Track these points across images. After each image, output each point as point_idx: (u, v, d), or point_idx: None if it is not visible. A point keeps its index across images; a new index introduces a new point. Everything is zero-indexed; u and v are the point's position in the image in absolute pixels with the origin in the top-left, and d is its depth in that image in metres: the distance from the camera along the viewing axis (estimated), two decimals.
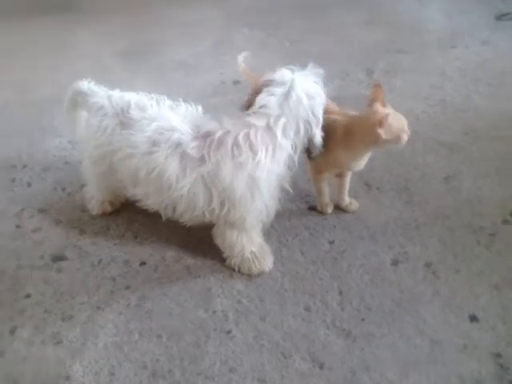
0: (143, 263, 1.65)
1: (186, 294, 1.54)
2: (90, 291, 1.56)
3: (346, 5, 3.74)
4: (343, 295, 1.52)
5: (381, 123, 1.46)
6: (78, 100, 1.69)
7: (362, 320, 1.45)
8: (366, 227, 1.75)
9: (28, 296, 1.56)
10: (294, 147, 1.46)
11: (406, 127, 1.50)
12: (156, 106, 1.58)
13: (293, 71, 1.47)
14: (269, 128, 1.42)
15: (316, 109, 1.46)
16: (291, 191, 1.55)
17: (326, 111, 1.55)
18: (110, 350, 1.40)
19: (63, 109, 1.78)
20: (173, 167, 1.45)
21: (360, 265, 1.62)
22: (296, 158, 1.48)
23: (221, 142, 1.43)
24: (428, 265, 1.61)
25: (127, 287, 1.57)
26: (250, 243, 1.57)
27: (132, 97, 1.62)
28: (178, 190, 1.46)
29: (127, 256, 1.68)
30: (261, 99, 1.43)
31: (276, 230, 1.74)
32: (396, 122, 1.49)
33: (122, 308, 1.51)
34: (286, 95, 1.42)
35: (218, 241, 1.60)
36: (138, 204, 1.64)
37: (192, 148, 1.45)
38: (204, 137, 1.46)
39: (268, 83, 1.46)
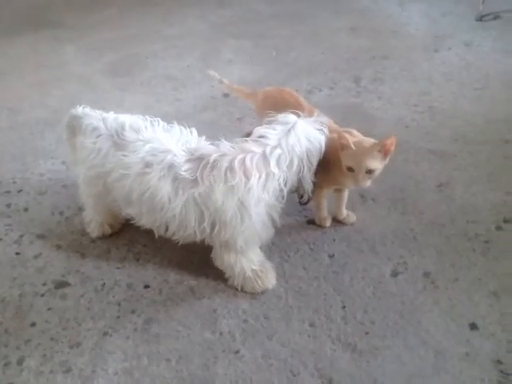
0: (147, 286, 1.66)
1: (192, 316, 1.56)
2: (95, 317, 1.57)
3: (330, 10, 3.79)
4: (347, 309, 1.55)
5: (342, 146, 1.53)
6: (74, 125, 1.70)
7: (367, 333, 1.48)
8: (365, 239, 1.79)
9: (33, 324, 1.56)
10: (285, 181, 1.48)
11: (371, 165, 1.51)
12: (150, 128, 1.60)
13: (298, 116, 1.52)
14: (264, 156, 1.45)
15: (312, 153, 1.50)
16: (278, 225, 1.57)
17: (328, 129, 1.58)
18: (120, 376, 1.41)
19: (55, 131, 1.80)
20: (165, 189, 1.47)
21: (361, 278, 1.65)
22: (285, 192, 1.50)
23: (215, 165, 1.45)
24: (427, 274, 1.65)
25: (133, 311, 1.58)
26: (249, 263, 1.59)
27: (126, 119, 1.64)
28: (171, 210, 1.48)
29: (130, 279, 1.69)
30: (261, 130, 1.48)
31: (277, 245, 1.77)
32: (362, 153, 1.51)
33: (129, 333, 1.52)
34: (286, 132, 1.47)
35: (218, 263, 1.63)
36: (132, 222, 1.66)
37: (185, 170, 1.47)
38: (198, 159, 1.48)
39: (271, 122, 1.51)
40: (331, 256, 1.73)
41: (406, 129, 2.38)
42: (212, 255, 1.62)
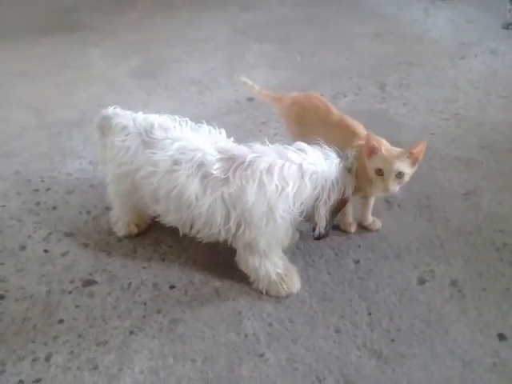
0: (173, 286, 1.67)
1: (217, 318, 1.56)
2: (122, 315, 1.59)
3: (354, 16, 3.79)
4: (372, 316, 1.54)
5: (371, 150, 1.53)
6: (104, 125, 1.73)
7: (392, 341, 1.47)
8: (390, 246, 1.78)
9: (61, 321, 1.58)
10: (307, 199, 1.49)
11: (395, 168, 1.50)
12: (179, 128, 1.63)
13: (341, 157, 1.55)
14: (301, 168, 1.46)
15: (335, 189, 1.51)
16: (297, 237, 1.60)
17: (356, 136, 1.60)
18: (146, 375, 1.42)
19: (82, 132, 1.84)
20: (193, 186, 1.49)
21: (387, 284, 1.64)
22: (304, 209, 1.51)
23: (251, 165, 1.47)
24: (454, 283, 1.64)
25: (159, 311, 1.59)
26: (273, 266, 1.60)
27: (155, 118, 1.67)
28: (197, 208, 1.50)
29: (156, 279, 1.70)
30: (302, 144, 1.51)
31: (301, 250, 1.77)
32: (392, 155, 1.52)
33: (155, 332, 1.53)
34: (325, 158, 1.51)
35: (242, 266, 1.64)
36: (158, 220, 1.68)
37: (216, 169, 1.48)
38: (231, 159, 1.50)
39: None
40: (356, 262, 1.72)
41: (431, 136, 2.36)
42: (236, 258, 1.63)
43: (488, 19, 3.61)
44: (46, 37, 3.69)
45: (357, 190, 1.66)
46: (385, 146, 1.56)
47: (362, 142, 1.57)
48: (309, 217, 1.54)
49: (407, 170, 1.51)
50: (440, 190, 2.03)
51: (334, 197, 1.51)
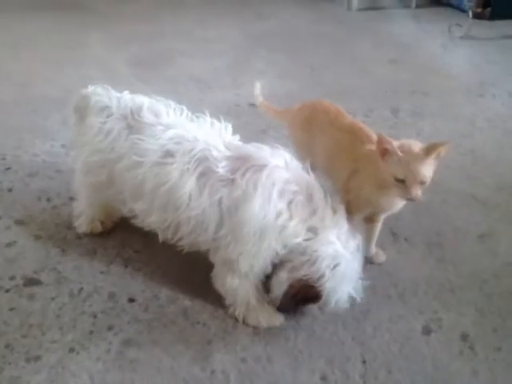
0: (132, 300, 1.40)
1: (181, 345, 1.28)
2: (64, 327, 1.30)
3: (370, 40, 3.64)
4: (367, 365, 1.28)
5: (384, 153, 1.31)
6: (82, 106, 1.48)
7: None
8: (394, 284, 1.52)
9: None
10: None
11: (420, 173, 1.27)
12: (173, 114, 1.37)
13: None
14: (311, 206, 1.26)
15: (312, 268, 1.24)
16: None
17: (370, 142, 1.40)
18: None
19: (61, 112, 1.58)
20: (188, 185, 1.24)
21: (386, 329, 1.38)
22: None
23: (269, 172, 1.23)
24: (464, 337, 1.38)
25: (110, 328, 1.31)
26: (255, 290, 1.34)
27: (145, 100, 1.42)
28: (188, 211, 1.25)
29: (114, 288, 1.43)
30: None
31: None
32: (414, 158, 1.28)
33: (101, 353, 1.25)
34: (338, 235, 1.27)
35: (218, 285, 1.37)
36: (133, 221, 1.42)
37: (222, 167, 1.23)
38: (242, 159, 1.26)
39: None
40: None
41: (446, 169, 2.13)
42: (212, 274, 1.37)
43: (508, 62, 3.48)
44: (44, 12, 3.49)
45: (364, 203, 1.44)
46: (401, 146, 1.33)
47: (373, 147, 1.35)
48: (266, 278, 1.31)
49: (431, 172, 1.30)
50: (452, 228, 1.79)
51: (304, 272, 1.24)
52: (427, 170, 1.28)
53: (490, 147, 2.37)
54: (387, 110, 2.62)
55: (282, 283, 1.25)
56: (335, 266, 1.23)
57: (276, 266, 1.28)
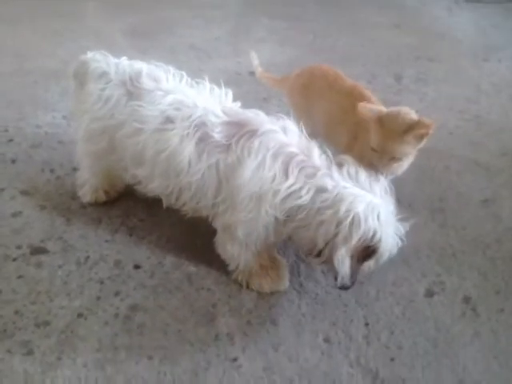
0: (137, 266, 1.41)
1: (186, 309, 1.31)
2: (71, 294, 1.32)
3: (373, 5, 3.55)
4: (370, 327, 1.30)
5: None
6: (81, 72, 1.45)
7: (392, 360, 1.22)
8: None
9: None
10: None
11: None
12: (172, 80, 1.35)
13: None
14: (314, 174, 1.19)
15: (359, 230, 1.14)
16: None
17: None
18: (89, 368, 1.16)
19: (61, 83, 1.56)
20: (187, 150, 1.23)
21: (390, 292, 1.39)
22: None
23: (261, 137, 1.21)
24: (466, 299, 1.40)
25: (116, 293, 1.33)
26: (256, 257, 1.35)
27: (144, 66, 1.40)
28: (189, 175, 1.25)
29: (119, 256, 1.44)
30: (347, 160, 1.23)
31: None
32: (390, 136, 1.31)
33: (109, 318, 1.27)
34: (362, 187, 1.19)
35: (220, 251, 1.38)
36: (136, 187, 1.42)
37: (218, 132, 1.22)
38: (238, 125, 1.24)
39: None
40: None
41: (449, 135, 2.12)
42: (215, 239, 1.38)
43: None
44: None
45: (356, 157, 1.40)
46: (387, 115, 1.32)
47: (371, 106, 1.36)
48: (326, 259, 1.20)
49: (407, 151, 1.32)
50: (455, 194, 1.79)
51: (358, 237, 1.15)
52: (401, 147, 1.28)
53: (495, 112, 2.33)
54: (390, 76, 2.57)
55: (343, 259, 1.16)
56: (378, 217, 1.16)
57: (327, 246, 1.18)
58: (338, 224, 1.14)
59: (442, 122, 2.22)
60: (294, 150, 1.21)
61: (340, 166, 1.23)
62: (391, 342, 1.27)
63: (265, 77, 1.88)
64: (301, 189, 1.17)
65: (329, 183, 1.17)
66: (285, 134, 1.24)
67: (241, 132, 1.22)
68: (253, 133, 1.21)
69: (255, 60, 1.87)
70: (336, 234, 1.15)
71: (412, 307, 1.36)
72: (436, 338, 1.28)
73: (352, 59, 2.73)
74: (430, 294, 1.40)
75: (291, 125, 1.27)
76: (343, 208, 1.14)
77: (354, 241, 1.14)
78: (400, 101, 2.36)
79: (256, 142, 1.19)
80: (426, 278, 1.45)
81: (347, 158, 1.25)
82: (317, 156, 1.22)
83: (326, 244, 1.17)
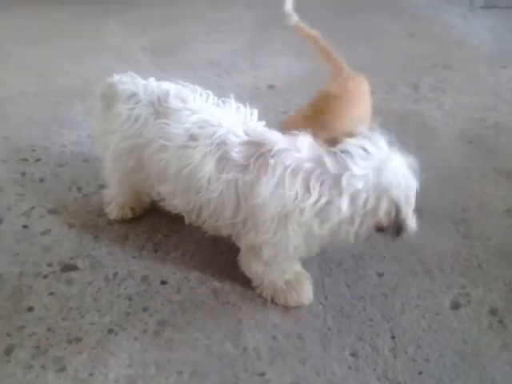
0: (164, 282, 1.44)
1: (213, 324, 1.33)
2: (101, 310, 1.35)
3: (386, 14, 3.56)
4: (396, 340, 1.30)
5: None
6: (109, 94, 1.49)
7: (420, 373, 1.22)
8: (420, 261, 1.53)
9: (30, 309, 1.35)
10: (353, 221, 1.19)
11: None
12: (199, 100, 1.39)
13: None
14: (337, 181, 1.17)
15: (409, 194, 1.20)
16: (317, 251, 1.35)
17: None
18: None
19: (84, 103, 1.61)
20: (208, 167, 1.25)
21: (415, 305, 1.39)
22: (353, 230, 1.20)
23: (276, 156, 1.22)
24: (493, 311, 1.39)
25: (145, 309, 1.36)
26: (281, 273, 1.36)
27: (171, 86, 1.43)
28: (208, 193, 1.27)
29: (146, 272, 1.47)
30: (350, 144, 1.21)
31: (317, 254, 1.52)
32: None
33: (138, 334, 1.30)
34: (380, 167, 1.17)
35: (244, 269, 1.40)
36: (161, 204, 1.45)
37: (237, 152, 1.24)
38: (257, 144, 1.25)
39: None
40: (380, 275, 1.48)
41: (469, 144, 2.12)
42: (238, 257, 1.40)
43: None
44: (62, 5, 3.49)
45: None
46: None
47: None
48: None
49: None
50: (478, 203, 1.78)
51: (412, 195, 1.20)
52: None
53: None
54: (407, 85, 2.57)
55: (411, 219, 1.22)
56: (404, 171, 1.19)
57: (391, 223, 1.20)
58: (391, 204, 1.16)
59: (461, 131, 2.22)
60: (310, 164, 1.20)
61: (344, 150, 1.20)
62: (418, 355, 1.27)
63: (300, 28, 1.91)
64: (330, 203, 1.16)
65: (357, 183, 1.15)
66: (298, 150, 1.23)
67: (258, 152, 1.24)
68: (269, 152, 1.23)
69: (289, 4, 1.82)
70: (397, 210, 1.17)
71: (438, 320, 1.36)
72: (463, 351, 1.28)
73: (367, 69, 2.70)
74: (455, 306, 1.40)
75: (303, 139, 1.25)
76: (386, 192, 1.15)
77: (411, 200, 1.20)
78: (419, 110, 2.37)
79: (272, 161, 1.20)
80: (450, 290, 1.44)
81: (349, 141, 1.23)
82: (330, 164, 1.19)
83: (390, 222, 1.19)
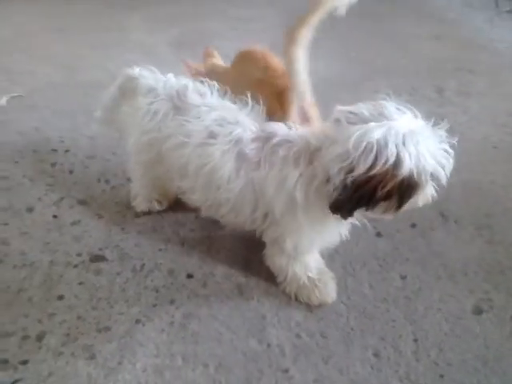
0: (190, 276, 1.47)
1: (238, 319, 1.35)
2: (129, 300, 1.39)
3: (412, 17, 3.54)
4: (419, 343, 1.31)
5: None
6: (127, 86, 1.52)
7: (441, 377, 1.24)
8: (443, 265, 1.54)
9: (61, 298, 1.39)
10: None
11: None
12: (217, 95, 1.41)
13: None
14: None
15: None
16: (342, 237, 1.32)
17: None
18: (149, 374, 1.21)
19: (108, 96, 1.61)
20: (228, 165, 1.27)
21: (438, 309, 1.40)
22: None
23: (276, 149, 1.23)
24: None
25: (171, 301, 1.39)
26: (304, 269, 1.38)
27: (190, 81, 1.45)
28: (227, 191, 1.29)
29: (173, 265, 1.50)
30: (359, 107, 1.14)
31: (340, 255, 1.55)
32: None
33: (165, 325, 1.33)
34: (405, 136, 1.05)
35: (269, 263, 1.43)
36: (180, 197, 1.48)
37: (251, 149, 1.26)
38: (266, 139, 1.27)
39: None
40: (403, 277, 1.49)
41: (493, 149, 2.11)
42: (264, 252, 1.42)
43: None
44: None
45: None
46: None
47: None
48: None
49: None
50: (502, 209, 1.78)
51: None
52: None
53: None
54: (431, 89, 2.57)
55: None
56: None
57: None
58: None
59: (485, 136, 2.22)
60: (296, 148, 1.20)
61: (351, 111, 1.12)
62: (440, 358, 1.28)
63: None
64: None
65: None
66: (296, 140, 1.22)
67: (265, 146, 1.25)
68: (277, 146, 1.23)
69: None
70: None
71: (460, 324, 1.37)
72: (485, 356, 1.29)
73: (392, 71, 2.74)
74: (478, 311, 1.41)
75: (283, 126, 1.27)
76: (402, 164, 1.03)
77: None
78: (444, 113, 2.36)
79: (279, 154, 1.21)
80: (473, 295, 1.45)
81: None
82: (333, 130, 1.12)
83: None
